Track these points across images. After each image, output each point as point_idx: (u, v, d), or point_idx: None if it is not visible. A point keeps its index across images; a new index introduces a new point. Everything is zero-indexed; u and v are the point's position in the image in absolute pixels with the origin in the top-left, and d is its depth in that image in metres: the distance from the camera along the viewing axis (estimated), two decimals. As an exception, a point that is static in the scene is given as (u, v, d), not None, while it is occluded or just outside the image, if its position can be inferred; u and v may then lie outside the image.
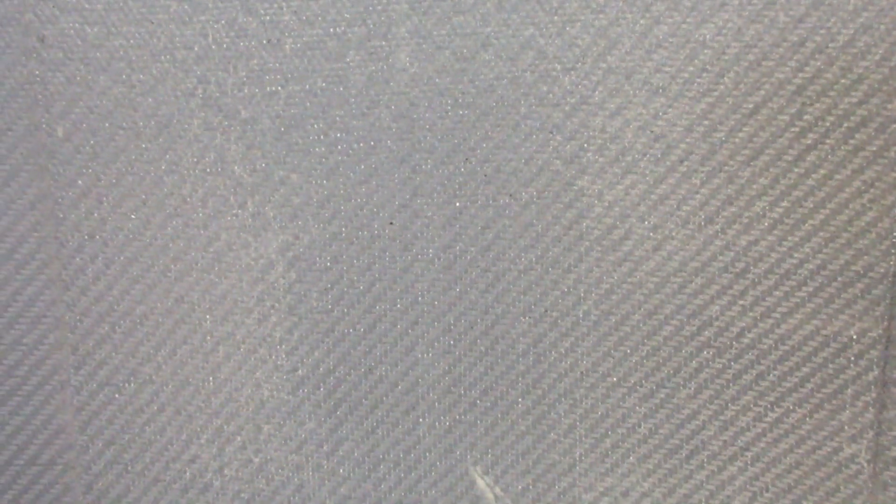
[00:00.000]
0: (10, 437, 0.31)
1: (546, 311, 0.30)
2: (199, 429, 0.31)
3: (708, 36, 0.28)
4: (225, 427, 0.31)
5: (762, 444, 0.32)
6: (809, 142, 0.28)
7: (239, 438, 0.31)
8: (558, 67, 0.29)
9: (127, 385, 0.31)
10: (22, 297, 0.30)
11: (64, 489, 0.32)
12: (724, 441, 0.31)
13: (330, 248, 0.30)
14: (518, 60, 0.29)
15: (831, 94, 0.28)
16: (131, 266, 0.30)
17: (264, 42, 0.28)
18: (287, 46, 0.28)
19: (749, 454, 0.31)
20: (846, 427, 0.31)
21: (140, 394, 0.31)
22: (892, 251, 0.29)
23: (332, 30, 0.28)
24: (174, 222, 0.30)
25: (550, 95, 0.29)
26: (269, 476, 0.32)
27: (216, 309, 0.30)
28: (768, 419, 0.32)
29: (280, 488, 0.32)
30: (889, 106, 0.28)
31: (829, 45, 0.27)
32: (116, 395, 0.31)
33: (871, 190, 0.28)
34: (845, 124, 0.28)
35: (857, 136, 0.28)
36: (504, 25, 0.28)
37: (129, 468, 0.32)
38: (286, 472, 0.32)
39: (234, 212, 0.30)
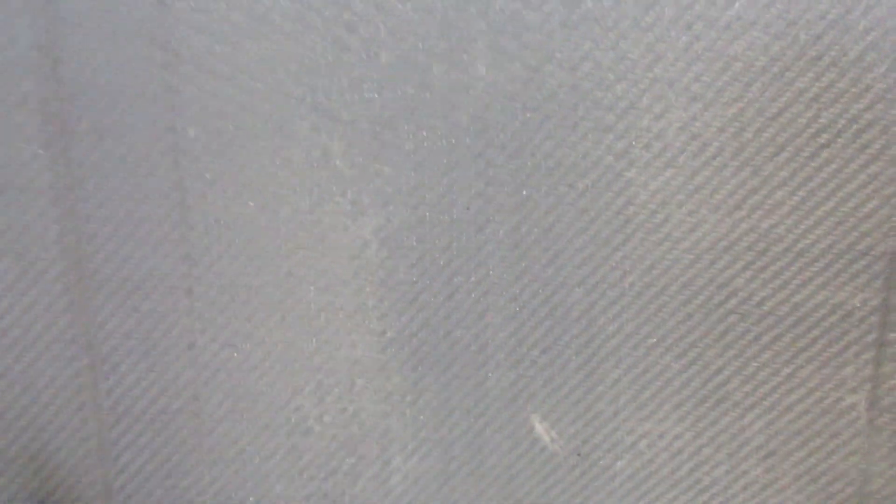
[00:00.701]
0: (147, 388, 0.36)
1: (597, 282, 0.35)
2: (303, 382, 0.36)
3: (739, 51, 0.33)
4: (324, 381, 0.36)
5: (777, 395, 0.36)
6: (822, 141, 0.33)
7: (336, 390, 0.36)
8: (611, 77, 0.33)
9: (243, 345, 0.36)
10: (157, 272, 0.35)
11: (189, 433, 0.36)
12: (745, 392, 0.36)
13: (416, 230, 0.35)
14: (577, 70, 0.33)
15: (842, 101, 0.32)
16: (248, 245, 0.35)
17: (363, 56, 0.33)
18: (382, 59, 0.33)
19: (766, 403, 0.36)
20: (848, 380, 0.35)
21: (254, 353, 0.36)
22: (891, 234, 0.34)
23: (419, 44, 0.33)
24: (285, 208, 0.34)
25: (604, 101, 0.33)
26: (361, 422, 0.37)
27: (319, 281, 0.35)
28: (783, 374, 0.35)
29: (370, 432, 0.37)
30: (892, 111, 0.32)
31: (842, 59, 0.32)
32: (234, 354, 0.36)
33: (874, 182, 0.33)
34: (854, 127, 0.32)
35: (863, 137, 0.33)
36: (566, 41, 0.33)
37: (244, 416, 0.36)
38: (375, 419, 0.36)
39: (336, 199, 0.34)
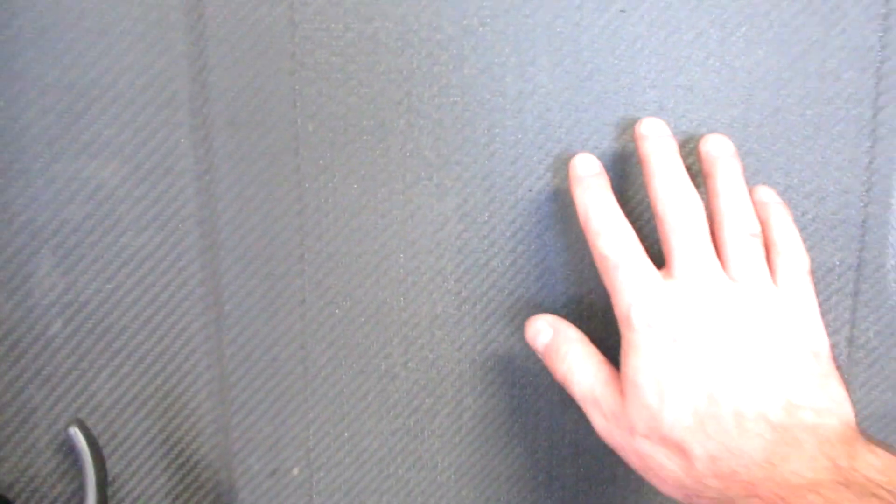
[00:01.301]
0: (264, 339, 0.41)
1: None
2: (392, 334, 0.41)
3: (746, 66, 0.41)
4: (409, 333, 0.41)
5: None
6: (805, 135, 0.41)
7: (420, 341, 0.41)
8: (645, 83, 0.41)
9: (344, 302, 0.41)
10: (276, 241, 0.40)
11: (297, 378, 0.41)
12: None
13: (487, 208, 0.40)
14: (619, 80, 0.41)
15: (817, 105, 0.41)
16: (352, 220, 0.40)
17: (450, 67, 0.40)
18: (465, 70, 0.40)
19: None
20: (830, 324, 0.41)
21: (353, 309, 0.41)
22: (861, 204, 0.41)
23: (494, 59, 0.39)
24: (382, 190, 0.40)
25: (638, 103, 0.41)
26: (439, 368, 0.42)
27: (408, 250, 0.40)
28: None
29: (446, 377, 0.42)
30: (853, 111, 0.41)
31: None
32: (336, 311, 0.41)
33: (842, 160, 0.41)
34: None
35: (835, 128, 0.41)
36: (609, 55, 0.41)
37: (343, 363, 0.41)
38: (451, 365, 0.42)
39: (423, 183, 0.40)
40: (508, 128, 0.40)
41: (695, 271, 0.34)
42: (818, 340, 0.34)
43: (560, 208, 0.41)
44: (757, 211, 0.37)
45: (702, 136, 0.39)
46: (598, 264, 0.35)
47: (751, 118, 0.40)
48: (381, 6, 0.38)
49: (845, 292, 0.42)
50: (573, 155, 0.38)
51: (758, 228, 0.36)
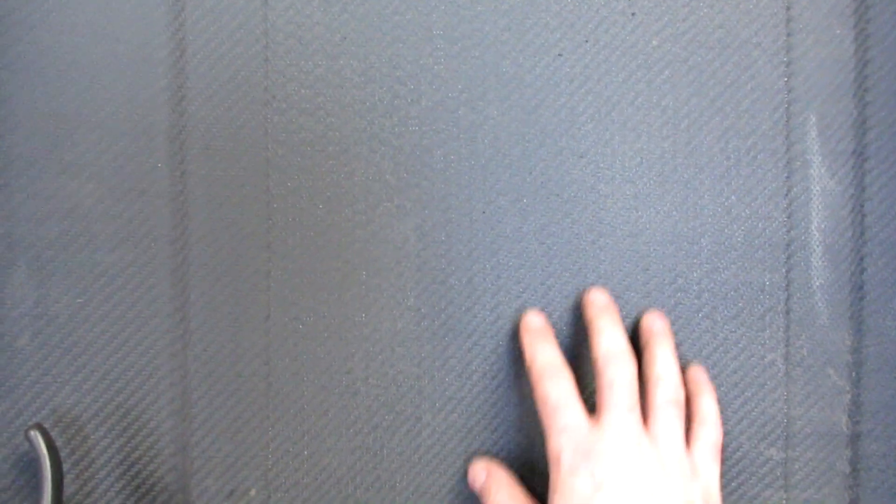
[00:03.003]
0: (228, 355, 0.41)
1: (581, 268, 0.45)
2: (354, 349, 0.42)
3: (671, 104, 0.46)
4: (371, 349, 0.42)
5: (716, 355, 0.43)
6: (728, 165, 0.46)
7: (380, 357, 0.42)
8: (583, 118, 0.45)
9: (308, 318, 0.42)
10: (243, 258, 0.41)
11: (259, 394, 0.41)
12: (693, 353, 0.44)
13: (444, 228, 0.42)
14: (560, 114, 0.45)
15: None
16: (317, 238, 0.41)
17: (409, 100, 0.44)
18: (422, 103, 0.44)
19: (709, 362, 0.43)
20: (767, 341, 0.43)
21: (316, 325, 0.42)
22: (784, 229, 0.44)
23: (450, 93, 0.43)
24: (346, 210, 0.41)
25: (578, 135, 0.46)
26: (399, 384, 0.42)
27: (370, 267, 0.42)
28: (718, 338, 0.43)
29: (406, 392, 0.42)
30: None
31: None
32: (300, 326, 0.42)
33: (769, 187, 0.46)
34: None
35: (754, 160, 0.46)
36: (550, 92, 0.45)
37: (305, 378, 0.42)
38: (410, 381, 0.42)
39: (385, 204, 0.42)
40: (462, 155, 0.43)
41: (621, 427, 0.38)
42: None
43: (511, 228, 0.44)
44: (688, 384, 0.43)
45: (644, 310, 0.44)
46: (538, 403, 0.40)
47: (678, 150, 0.45)
48: (346, 46, 0.43)
49: (777, 311, 0.44)
50: (520, 180, 0.42)
51: (681, 397, 0.40)
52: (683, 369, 0.44)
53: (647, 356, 0.42)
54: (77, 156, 0.42)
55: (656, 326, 0.43)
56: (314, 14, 0.43)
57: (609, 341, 0.40)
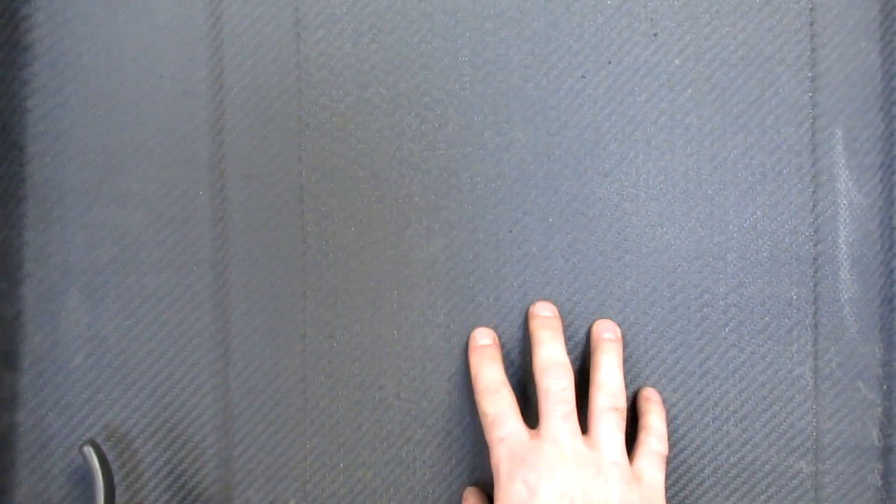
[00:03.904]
0: (267, 372, 0.43)
1: (602, 287, 0.46)
2: (386, 366, 0.44)
3: (695, 122, 0.46)
4: (402, 365, 0.43)
5: (744, 369, 0.44)
6: (753, 181, 0.46)
7: (412, 372, 0.44)
8: (607, 137, 0.46)
9: (342, 336, 0.44)
10: (280, 280, 0.43)
11: (297, 410, 0.43)
12: (721, 367, 0.44)
13: (472, 248, 0.43)
14: (584, 135, 0.46)
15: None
16: (349, 260, 0.43)
17: (436, 125, 0.46)
18: (449, 128, 0.46)
19: (737, 375, 0.44)
20: (795, 355, 0.43)
21: (350, 342, 0.43)
22: (811, 243, 0.44)
23: (476, 118, 0.45)
24: (378, 232, 0.43)
25: (602, 154, 0.47)
26: (430, 398, 0.44)
27: (401, 287, 0.44)
28: (745, 353, 0.43)
29: (437, 407, 0.44)
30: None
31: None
32: (335, 344, 0.44)
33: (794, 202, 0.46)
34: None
35: (780, 175, 0.46)
36: (574, 113, 0.46)
37: (340, 394, 0.43)
38: (441, 395, 0.44)
39: (414, 226, 0.44)
40: (489, 176, 0.44)
41: (555, 435, 0.39)
42: None
43: (537, 248, 0.45)
44: (640, 402, 0.43)
45: (595, 320, 0.44)
46: (481, 419, 0.41)
47: (702, 167, 0.45)
48: (375, 75, 0.45)
49: (805, 325, 0.44)
50: (546, 201, 0.43)
51: (622, 404, 0.41)
52: (639, 388, 0.44)
53: (592, 363, 0.43)
54: (125, 186, 0.44)
55: (605, 334, 0.43)
56: (344, 45, 0.45)
57: (546, 352, 0.41)
